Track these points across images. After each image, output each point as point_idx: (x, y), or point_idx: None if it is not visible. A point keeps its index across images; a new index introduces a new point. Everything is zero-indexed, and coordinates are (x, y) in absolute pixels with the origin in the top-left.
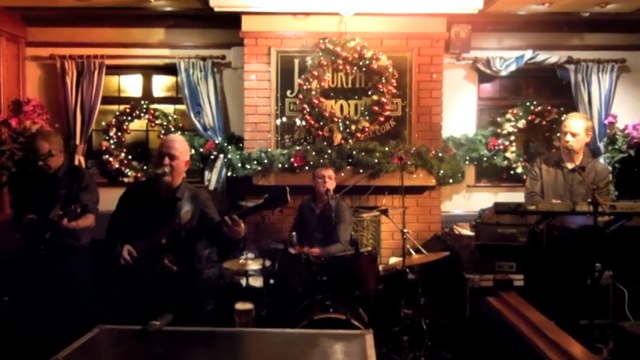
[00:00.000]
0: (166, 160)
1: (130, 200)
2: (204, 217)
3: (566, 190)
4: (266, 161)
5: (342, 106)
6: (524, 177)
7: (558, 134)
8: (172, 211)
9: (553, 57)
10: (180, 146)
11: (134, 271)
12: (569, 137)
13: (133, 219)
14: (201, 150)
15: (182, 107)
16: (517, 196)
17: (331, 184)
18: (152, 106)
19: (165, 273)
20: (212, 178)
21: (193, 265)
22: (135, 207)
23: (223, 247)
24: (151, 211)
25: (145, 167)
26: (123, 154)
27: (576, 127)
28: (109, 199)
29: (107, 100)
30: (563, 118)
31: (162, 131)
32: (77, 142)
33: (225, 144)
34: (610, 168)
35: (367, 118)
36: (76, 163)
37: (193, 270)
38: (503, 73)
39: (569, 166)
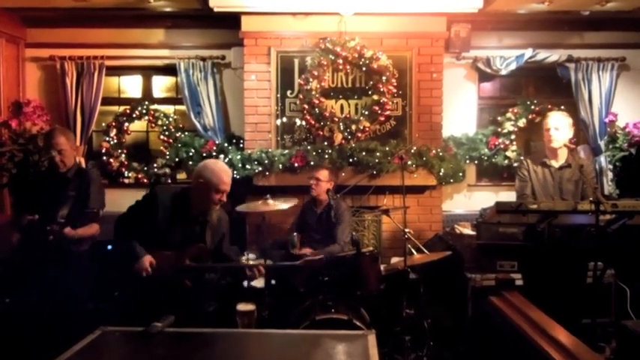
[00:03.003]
0: (224, 198)
1: (158, 209)
2: (222, 240)
3: (556, 189)
4: (266, 161)
5: (342, 106)
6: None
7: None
8: (201, 233)
9: (553, 55)
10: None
11: (149, 281)
12: (553, 132)
13: (155, 229)
14: (202, 150)
15: (182, 108)
16: None
17: (322, 186)
18: (152, 107)
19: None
20: None
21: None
22: (161, 217)
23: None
24: (178, 226)
25: (145, 168)
26: (123, 155)
27: (558, 122)
28: (109, 200)
29: (107, 100)
30: (544, 116)
31: (163, 132)
32: (77, 143)
33: (226, 144)
34: (611, 166)
35: (367, 117)
36: (77, 163)
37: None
38: (504, 72)
39: (555, 164)
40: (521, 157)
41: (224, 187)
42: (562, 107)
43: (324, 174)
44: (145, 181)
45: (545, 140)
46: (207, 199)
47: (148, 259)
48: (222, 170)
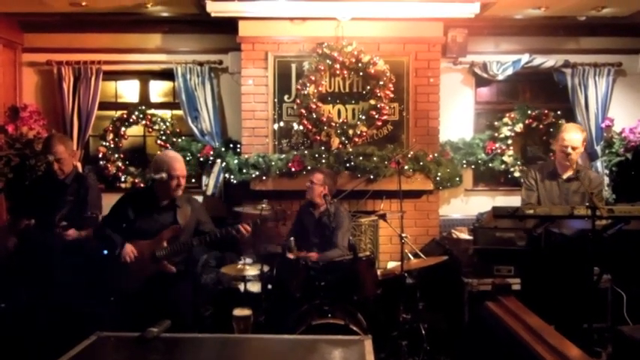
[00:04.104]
0: (182, 181)
1: (129, 206)
2: (199, 223)
3: (562, 200)
4: (264, 166)
5: (339, 111)
6: (522, 180)
7: (551, 141)
8: (173, 216)
9: (550, 61)
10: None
11: (134, 272)
12: (570, 151)
13: (131, 223)
14: (199, 155)
15: (179, 112)
16: (515, 200)
17: (316, 190)
18: (149, 112)
19: (163, 274)
20: (209, 183)
21: (192, 268)
22: (134, 213)
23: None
24: (151, 216)
25: (142, 173)
26: (120, 160)
27: (577, 141)
28: (106, 204)
29: (104, 105)
30: (561, 128)
31: (160, 136)
32: (74, 148)
33: (223, 149)
34: (607, 171)
35: (365, 122)
36: (75, 169)
37: (192, 272)
38: (500, 77)
39: (564, 175)
40: (523, 167)
41: (175, 173)
42: (559, 112)
43: (317, 177)
44: (142, 185)
45: (558, 155)
46: (167, 188)
47: (129, 246)
48: (171, 158)
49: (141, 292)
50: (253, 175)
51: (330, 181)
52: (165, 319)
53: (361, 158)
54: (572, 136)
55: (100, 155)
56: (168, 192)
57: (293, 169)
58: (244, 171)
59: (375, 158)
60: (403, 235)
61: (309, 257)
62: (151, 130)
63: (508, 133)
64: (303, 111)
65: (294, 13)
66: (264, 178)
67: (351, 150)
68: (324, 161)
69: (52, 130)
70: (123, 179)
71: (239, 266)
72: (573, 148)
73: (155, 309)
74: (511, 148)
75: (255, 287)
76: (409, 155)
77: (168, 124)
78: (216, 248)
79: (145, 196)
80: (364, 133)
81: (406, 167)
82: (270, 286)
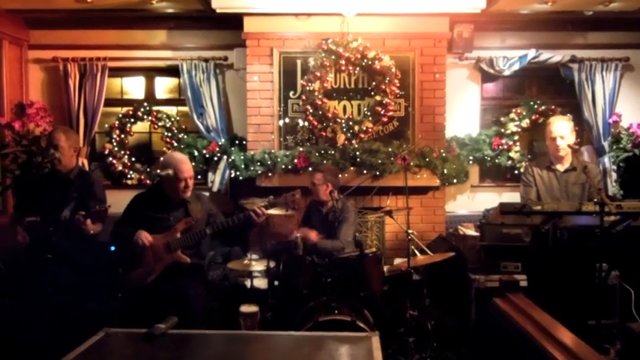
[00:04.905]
0: (189, 183)
1: (140, 206)
2: (210, 216)
3: (562, 192)
4: (269, 162)
5: (345, 107)
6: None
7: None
8: (185, 211)
9: (556, 56)
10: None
11: (149, 264)
12: (559, 141)
13: (144, 221)
14: (205, 151)
15: (185, 109)
16: None
17: (319, 189)
18: (155, 108)
19: (176, 268)
20: (215, 179)
21: (201, 259)
22: (146, 211)
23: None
24: (163, 213)
25: (148, 169)
26: (126, 157)
27: (563, 130)
28: (112, 201)
29: (110, 102)
30: (548, 123)
31: (166, 133)
32: (80, 144)
33: (229, 145)
34: (614, 167)
35: (370, 118)
36: (79, 165)
37: (200, 265)
38: (507, 73)
39: (561, 168)
40: (526, 163)
41: (183, 175)
42: (565, 108)
43: (318, 178)
44: (148, 182)
45: (550, 148)
46: (175, 189)
47: (142, 233)
48: (177, 160)
49: (153, 287)
50: (259, 172)
51: (332, 177)
52: (173, 316)
53: (367, 154)
54: (558, 125)
55: (106, 152)
56: (177, 193)
57: (299, 166)
58: (250, 167)
59: (381, 154)
60: (409, 231)
61: (308, 236)
62: (156, 126)
63: (514, 129)
64: (309, 107)
65: (299, 8)
66: (269, 174)
67: (356, 146)
68: (329, 158)
69: (44, 129)
70: (129, 176)
71: (246, 262)
72: (562, 137)
73: (166, 307)
74: (517, 143)
75: (261, 283)
76: (415, 151)
77: (173, 120)
78: (227, 239)
79: (154, 195)
80: (370, 129)
81: (412, 163)
82: (276, 283)
